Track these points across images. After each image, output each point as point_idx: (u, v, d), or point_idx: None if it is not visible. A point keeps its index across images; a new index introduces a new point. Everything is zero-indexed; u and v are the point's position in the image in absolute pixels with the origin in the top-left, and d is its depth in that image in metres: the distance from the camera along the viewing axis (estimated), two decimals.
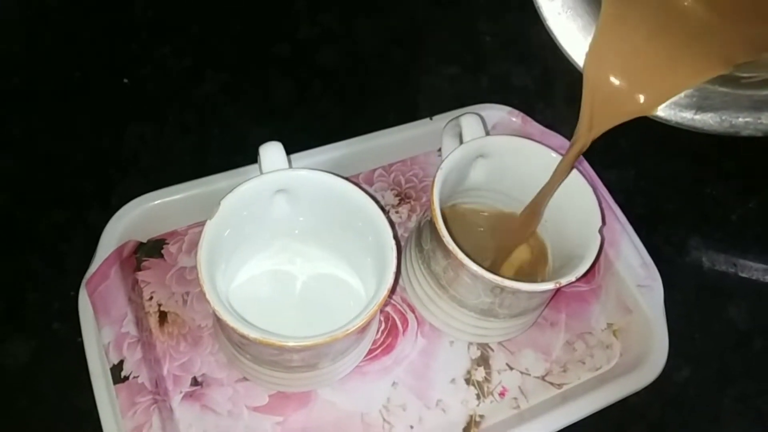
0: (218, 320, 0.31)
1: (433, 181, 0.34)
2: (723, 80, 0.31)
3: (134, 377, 0.34)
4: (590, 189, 0.35)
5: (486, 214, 0.40)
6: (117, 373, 0.33)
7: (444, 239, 0.32)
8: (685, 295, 0.42)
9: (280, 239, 0.37)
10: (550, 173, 0.35)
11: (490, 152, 0.36)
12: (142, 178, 0.43)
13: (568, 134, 0.44)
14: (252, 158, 0.40)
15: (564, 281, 0.32)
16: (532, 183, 0.37)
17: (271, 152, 0.34)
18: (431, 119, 0.44)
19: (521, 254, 0.40)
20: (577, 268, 0.32)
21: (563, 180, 0.35)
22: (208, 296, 0.29)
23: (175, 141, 0.45)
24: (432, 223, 0.34)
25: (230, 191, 0.32)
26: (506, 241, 0.40)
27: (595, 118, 0.33)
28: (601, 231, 0.34)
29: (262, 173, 0.33)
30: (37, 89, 0.47)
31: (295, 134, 0.46)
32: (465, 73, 0.52)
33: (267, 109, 0.48)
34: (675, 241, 0.46)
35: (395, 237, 0.32)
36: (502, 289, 0.32)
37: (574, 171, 0.35)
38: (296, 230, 0.36)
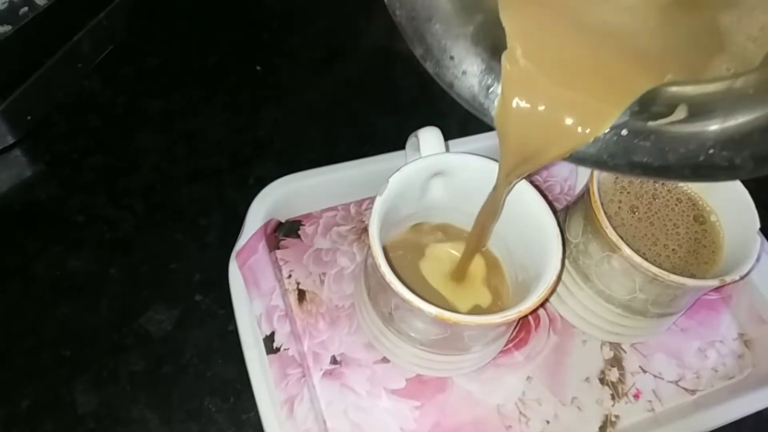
0: (377, 292, 0.31)
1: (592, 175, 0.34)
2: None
3: (285, 349, 0.34)
4: (744, 189, 0.35)
5: None
6: (269, 345, 0.34)
7: (607, 231, 0.32)
8: None
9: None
10: None
11: None
12: (275, 159, 0.44)
13: None
14: (379, 148, 0.40)
15: (728, 279, 0.32)
16: None
17: (430, 135, 0.34)
18: None
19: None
20: (740, 266, 0.32)
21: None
22: (386, 277, 0.29)
23: (305, 128, 0.46)
24: (589, 214, 0.33)
25: (397, 170, 0.32)
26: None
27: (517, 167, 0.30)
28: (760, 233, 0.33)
29: (421, 156, 0.34)
30: (174, 70, 0.48)
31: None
32: None
33: (392, 102, 0.48)
34: None
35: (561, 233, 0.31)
36: (667, 286, 0.32)
37: None
38: (448, 215, 0.37)
